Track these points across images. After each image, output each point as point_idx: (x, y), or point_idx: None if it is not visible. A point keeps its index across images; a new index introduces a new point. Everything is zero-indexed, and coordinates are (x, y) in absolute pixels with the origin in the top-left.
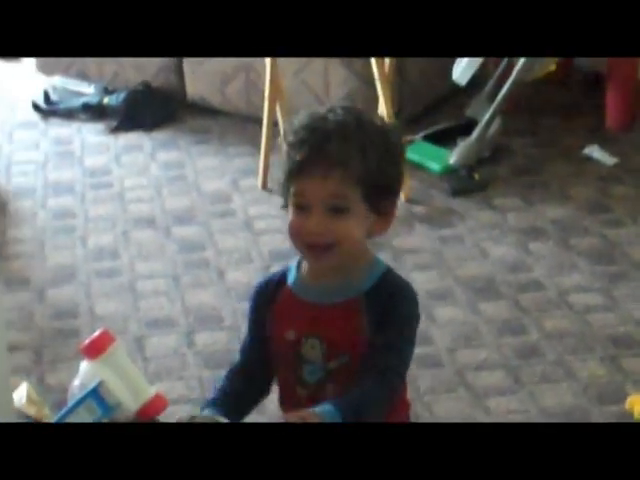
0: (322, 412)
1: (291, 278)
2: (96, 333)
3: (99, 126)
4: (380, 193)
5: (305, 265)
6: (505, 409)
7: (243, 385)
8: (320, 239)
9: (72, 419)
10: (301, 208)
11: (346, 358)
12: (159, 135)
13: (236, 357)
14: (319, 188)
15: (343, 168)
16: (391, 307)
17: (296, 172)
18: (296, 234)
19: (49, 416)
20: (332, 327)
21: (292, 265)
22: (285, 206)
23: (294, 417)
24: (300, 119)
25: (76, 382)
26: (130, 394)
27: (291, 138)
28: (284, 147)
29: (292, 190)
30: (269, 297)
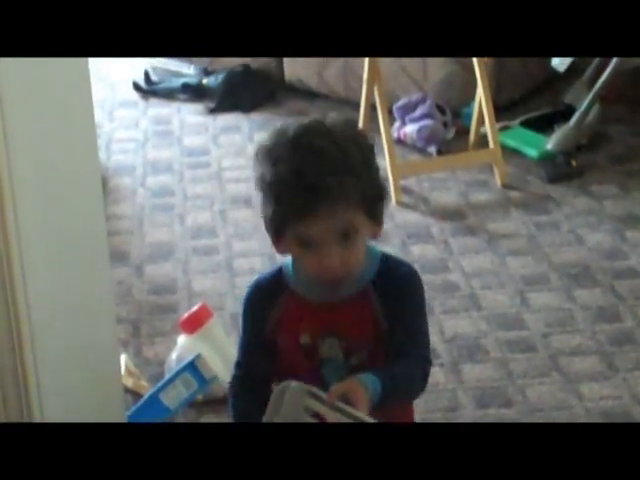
0: (365, 379)
1: (292, 279)
2: (194, 308)
3: (198, 106)
4: (377, 203)
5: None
6: (598, 395)
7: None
8: (338, 273)
9: (169, 392)
10: (308, 245)
11: (365, 353)
12: (257, 116)
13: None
14: (326, 225)
15: (345, 197)
16: (403, 292)
17: (298, 217)
18: (314, 273)
19: (146, 388)
20: (348, 324)
21: (284, 265)
22: (276, 237)
23: (341, 388)
24: (277, 156)
25: (173, 355)
26: (226, 368)
27: (278, 185)
28: (267, 192)
29: (293, 230)
30: (269, 301)
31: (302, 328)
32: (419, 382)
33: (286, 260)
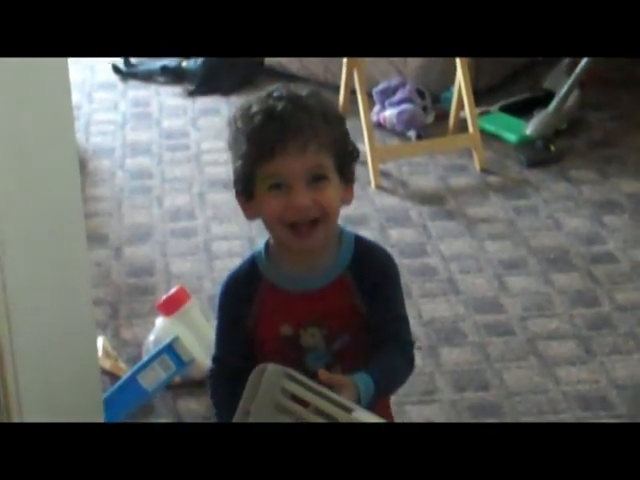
0: (359, 380)
1: (267, 270)
2: (172, 290)
3: (177, 89)
4: (347, 159)
5: (279, 254)
6: (575, 379)
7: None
8: (307, 214)
9: (147, 374)
10: (277, 188)
11: (347, 337)
12: (236, 99)
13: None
14: (297, 163)
15: (316, 138)
16: (380, 276)
17: (269, 154)
18: (280, 215)
19: (124, 370)
20: (328, 311)
21: (256, 255)
22: (246, 196)
23: (332, 380)
24: (249, 105)
25: (151, 337)
26: (204, 351)
27: (250, 125)
28: (239, 136)
29: (263, 173)
30: (245, 294)
31: (282, 319)
32: (406, 370)
33: (258, 248)
